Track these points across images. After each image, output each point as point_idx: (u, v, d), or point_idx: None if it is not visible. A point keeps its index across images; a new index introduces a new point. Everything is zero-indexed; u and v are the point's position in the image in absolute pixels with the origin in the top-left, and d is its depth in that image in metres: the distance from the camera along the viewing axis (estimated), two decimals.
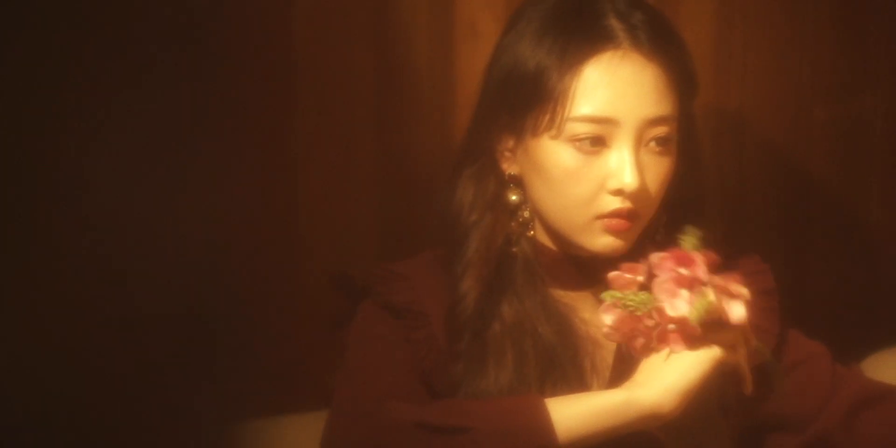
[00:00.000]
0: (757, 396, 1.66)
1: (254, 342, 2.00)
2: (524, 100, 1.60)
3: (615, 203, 1.58)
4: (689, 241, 1.53)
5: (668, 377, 1.51)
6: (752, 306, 1.54)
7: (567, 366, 1.63)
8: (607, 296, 1.52)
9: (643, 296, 1.51)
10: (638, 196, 1.58)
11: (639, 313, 1.51)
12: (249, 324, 1.99)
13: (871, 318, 2.35)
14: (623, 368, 1.59)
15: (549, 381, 1.61)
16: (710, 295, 1.50)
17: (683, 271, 1.50)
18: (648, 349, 1.53)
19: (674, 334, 1.51)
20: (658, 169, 1.60)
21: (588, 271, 1.66)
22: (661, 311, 1.50)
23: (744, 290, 1.51)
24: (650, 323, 1.51)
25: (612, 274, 1.54)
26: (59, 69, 1.71)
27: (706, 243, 1.55)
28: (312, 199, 2.02)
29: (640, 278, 1.52)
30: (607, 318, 1.52)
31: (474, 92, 1.70)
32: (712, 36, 2.19)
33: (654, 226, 1.66)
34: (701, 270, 1.50)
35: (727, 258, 1.65)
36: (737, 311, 1.51)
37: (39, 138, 1.67)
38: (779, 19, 2.22)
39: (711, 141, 2.18)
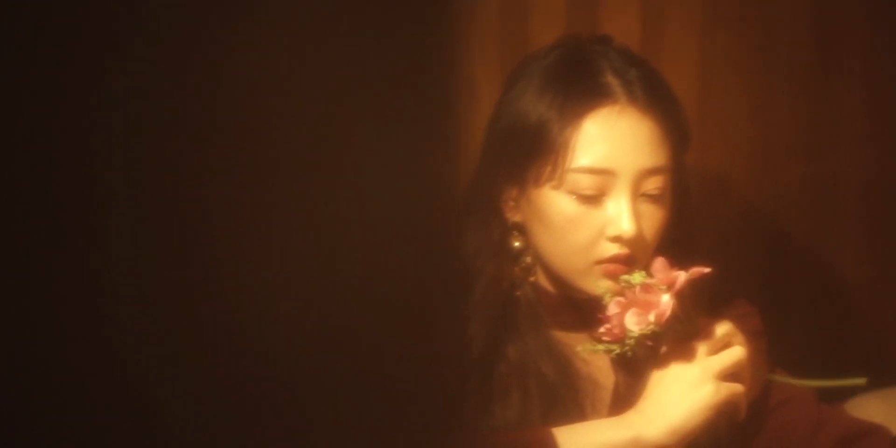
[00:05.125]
0: (748, 432, 1.73)
1: None
2: (527, 152, 1.67)
3: (613, 249, 1.65)
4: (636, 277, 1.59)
5: (675, 417, 1.55)
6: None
7: (569, 403, 1.69)
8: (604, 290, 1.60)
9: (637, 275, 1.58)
10: (635, 242, 1.64)
11: (634, 282, 1.57)
12: None
13: (843, 369, 2.40)
14: (620, 408, 1.64)
15: (552, 418, 1.65)
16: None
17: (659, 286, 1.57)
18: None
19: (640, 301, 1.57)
20: (653, 216, 1.67)
21: (588, 313, 1.70)
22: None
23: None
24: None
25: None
26: None
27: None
28: None
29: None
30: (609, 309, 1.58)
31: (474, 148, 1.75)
32: (695, 93, 2.24)
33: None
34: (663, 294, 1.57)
35: (718, 299, 1.73)
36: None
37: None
38: (756, 78, 2.28)
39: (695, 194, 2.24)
